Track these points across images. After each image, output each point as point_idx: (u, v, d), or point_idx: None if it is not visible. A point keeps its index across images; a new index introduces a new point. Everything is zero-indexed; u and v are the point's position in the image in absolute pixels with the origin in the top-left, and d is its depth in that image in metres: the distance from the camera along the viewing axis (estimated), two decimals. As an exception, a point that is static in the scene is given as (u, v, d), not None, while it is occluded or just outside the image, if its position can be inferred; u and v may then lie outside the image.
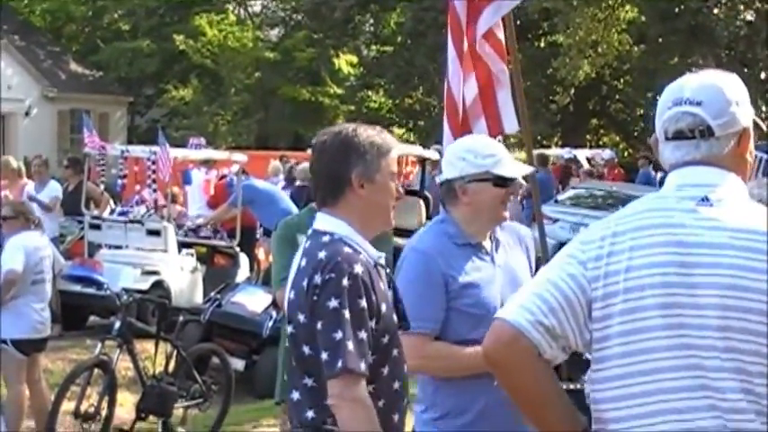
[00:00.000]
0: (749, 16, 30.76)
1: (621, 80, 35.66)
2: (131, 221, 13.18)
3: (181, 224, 14.09)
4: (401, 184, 16.50)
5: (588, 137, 36.58)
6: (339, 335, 3.04)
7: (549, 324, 2.52)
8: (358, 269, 3.11)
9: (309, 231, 3.30)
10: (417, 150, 17.43)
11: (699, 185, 2.57)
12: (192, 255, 12.95)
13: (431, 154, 15.69)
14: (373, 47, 38.75)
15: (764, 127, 2.82)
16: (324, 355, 3.06)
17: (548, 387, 2.59)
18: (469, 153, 3.75)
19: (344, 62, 35.30)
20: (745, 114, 2.61)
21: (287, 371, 3.31)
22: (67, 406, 7.73)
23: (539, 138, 30.50)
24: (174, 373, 8.15)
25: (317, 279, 3.10)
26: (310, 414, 3.17)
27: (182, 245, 13.01)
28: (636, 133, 37.18)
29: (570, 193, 19.62)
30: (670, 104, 2.62)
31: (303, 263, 3.20)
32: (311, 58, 34.10)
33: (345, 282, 3.07)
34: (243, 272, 13.29)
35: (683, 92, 2.62)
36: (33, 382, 8.01)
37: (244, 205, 13.03)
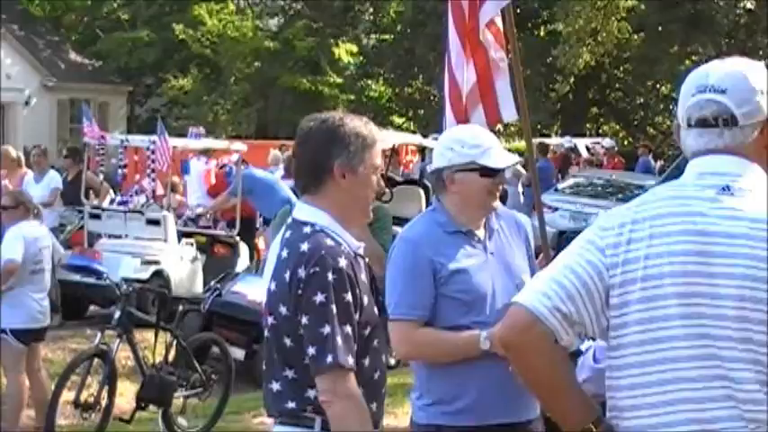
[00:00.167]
0: (749, 4, 30.76)
1: (621, 68, 35.60)
2: (131, 211, 13.16)
3: (180, 214, 14.09)
4: (401, 173, 16.56)
5: (588, 125, 36.52)
6: (327, 329, 3.02)
7: (567, 310, 2.50)
8: (342, 263, 3.08)
9: (289, 220, 3.26)
10: (417, 139, 17.41)
11: (720, 174, 2.55)
12: (192, 244, 12.94)
13: (430, 143, 15.66)
14: (373, 36, 38.67)
15: None
16: (311, 350, 3.04)
17: (562, 373, 2.58)
18: (457, 143, 3.79)
19: (344, 51, 35.19)
20: None
21: (265, 361, 3.27)
22: (67, 396, 7.74)
23: (538, 126, 30.46)
24: (174, 363, 8.16)
25: (301, 273, 3.06)
26: (291, 405, 3.16)
27: (181, 234, 13.00)
28: (636, 122, 37.16)
29: (570, 181, 19.62)
30: (694, 91, 2.59)
31: (284, 254, 3.15)
32: (311, 47, 34.00)
33: (330, 276, 3.04)
34: (243, 261, 13.26)
35: (708, 78, 2.59)
36: (33, 372, 8.02)
37: (243, 195, 13.02)
